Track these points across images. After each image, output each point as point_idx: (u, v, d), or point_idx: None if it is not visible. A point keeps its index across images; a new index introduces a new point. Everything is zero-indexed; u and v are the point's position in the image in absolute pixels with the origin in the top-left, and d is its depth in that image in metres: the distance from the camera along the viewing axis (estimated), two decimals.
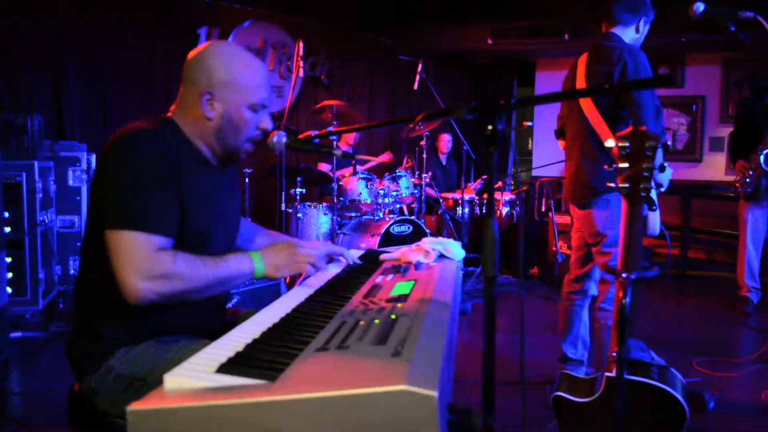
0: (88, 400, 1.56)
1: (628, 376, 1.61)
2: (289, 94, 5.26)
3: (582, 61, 3.01)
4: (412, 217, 5.34)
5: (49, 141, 4.72)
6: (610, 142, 1.58)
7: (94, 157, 4.93)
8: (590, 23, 6.82)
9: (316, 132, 1.62)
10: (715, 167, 7.65)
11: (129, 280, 1.39)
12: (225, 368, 0.98)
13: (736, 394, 3.28)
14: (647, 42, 3.02)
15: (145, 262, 1.40)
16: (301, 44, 5.16)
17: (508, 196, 6.75)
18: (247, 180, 5.23)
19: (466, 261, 5.76)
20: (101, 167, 1.52)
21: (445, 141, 7.25)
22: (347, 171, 5.45)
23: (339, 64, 7.59)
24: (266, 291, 3.57)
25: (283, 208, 5.09)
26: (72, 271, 4.71)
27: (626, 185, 1.55)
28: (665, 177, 2.71)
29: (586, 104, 2.89)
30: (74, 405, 1.63)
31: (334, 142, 4.97)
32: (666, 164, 1.54)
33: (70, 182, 4.73)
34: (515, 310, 5.11)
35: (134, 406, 0.88)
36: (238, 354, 1.04)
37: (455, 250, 1.93)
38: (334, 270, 1.87)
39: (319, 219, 5.30)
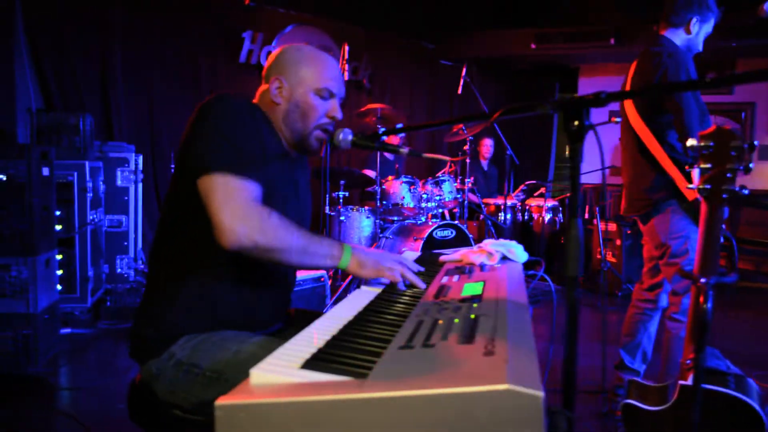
0: (148, 387, 1.56)
1: (703, 385, 1.55)
2: None
3: (631, 69, 2.94)
4: (455, 222, 5.29)
5: (98, 142, 4.80)
6: (692, 141, 1.52)
7: (141, 159, 5.00)
8: (636, 28, 6.72)
9: (384, 129, 1.60)
10: (764, 176, 7.44)
11: (227, 222, 1.39)
12: (311, 364, 0.95)
13: None
14: None
15: (243, 206, 1.41)
16: (346, 47, 5.17)
17: (550, 203, 6.65)
18: None
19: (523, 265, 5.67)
20: (193, 123, 1.53)
21: (488, 146, 7.19)
22: (391, 176, 5.43)
23: (380, 68, 7.60)
24: (314, 293, 3.56)
25: (327, 211, 5.09)
26: (119, 270, 4.78)
27: (707, 186, 1.49)
28: None
29: (632, 113, 2.83)
30: (134, 396, 1.62)
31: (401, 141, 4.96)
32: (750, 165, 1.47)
33: (119, 182, 4.81)
34: (559, 318, 5.01)
35: (222, 401, 0.86)
36: (320, 350, 1.02)
37: (518, 252, 1.89)
38: None
39: (362, 222, 5.28)
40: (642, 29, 6.58)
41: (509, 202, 6.36)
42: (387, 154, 6.19)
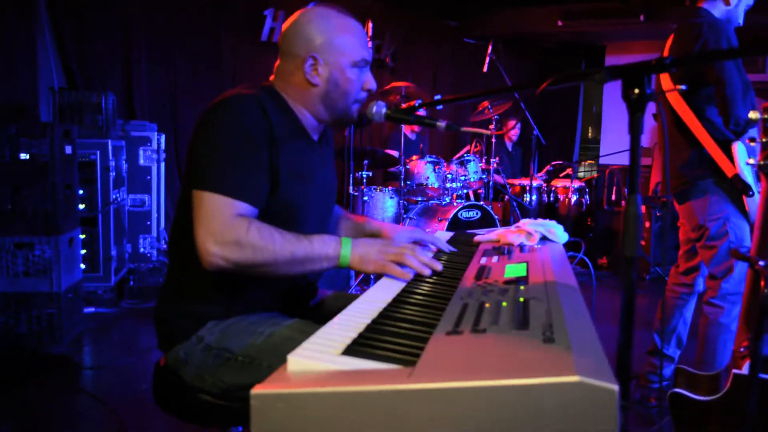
0: (175, 372, 1.50)
1: (761, 375, 1.46)
2: None
3: (668, 43, 2.80)
4: (481, 203, 5.19)
5: (121, 120, 4.76)
6: (754, 114, 1.41)
7: (164, 138, 4.96)
8: (667, 3, 6.51)
9: (421, 101, 1.51)
10: None
11: (202, 241, 1.33)
12: (352, 351, 0.88)
13: None
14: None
15: (219, 225, 1.33)
16: (370, 24, 5.06)
17: (576, 184, 6.51)
18: None
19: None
20: (196, 130, 1.46)
21: (514, 127, 7.04)
22: (415, 156, 5.33)
23: (403, 46, 7.47)
24: (339, 273, 3.50)
25: (351, 190, 5.01)
26: (142, 250, 4.76)
27: (767, 162, 1.39)
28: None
29: (669, 87, 2.70)
30: (160, 379, 1.57)
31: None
32: None
33: (141, 162, 4.77)
34: (585, 302, 4.91)
35: (258, 389, 0.78)
36: (361, 335, 0.95)
37: (559, 232, 1.80)
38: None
39: (385, 203, 5.19)
40: (673, 5, 6.37)
41: (534, 183, 6.23)
42: (409, 134, 6.09)
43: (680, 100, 2.65)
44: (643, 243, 5.80)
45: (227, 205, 1.36)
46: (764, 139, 1.39)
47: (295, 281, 1.64)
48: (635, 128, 1.05)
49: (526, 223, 1.82)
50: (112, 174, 4.29)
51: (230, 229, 1.34)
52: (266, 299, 1.57)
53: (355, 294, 1.61)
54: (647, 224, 5.80)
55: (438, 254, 1.78)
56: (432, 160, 5.21)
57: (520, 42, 8.16)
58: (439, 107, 2.08)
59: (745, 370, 1.42)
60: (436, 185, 5.20)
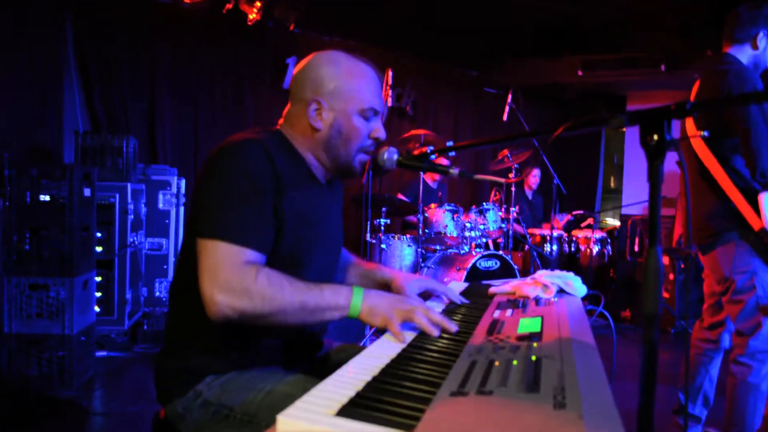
0: (173, 427, 1.44)
1: None
2: None
3: (694, 89, 2.76)
4: (500, 252, 5.11)
5: (142, 164, 4.81)
6: None
7: (184, 182, 5.00)
8: (688, 53, 6.49)
9: (432, 148, 1.47)
10: None
11: (208, 291, 1.28)
12: (347, 411, 0.82)
13: None
14: None
15: (226, 273, 1.29)
16: (390, 72, 5.11)
17: (598, 234, 6.41)
18: None
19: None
20: (201, 176, 1.43)
21: (535, 176, 6.98)
22: (433, 204, 5.29)
23: (424, 95, 7.53)
24: (352, 323, 3.42)
25: (368, 238, 4.97)
26: (158, 294, 4.74)
27: None
28: None
29: (693, 134, 2.64)
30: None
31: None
32: None
33: (161, 206, 4.79)
34: (607, 355, 4.77)
35: None
36: (359, 395, 0.89)
37: (576, 285, 1.73)
38: (436, 308, 1.67)
39: (403, 251, 5.14)
40: (694, 55, 6.35)
41: (555, 233, 6.15)
42: (429, 182, 6.06)
43: (705, 149, 2.59)
44: (666, 295, 5.66)
45: (234, 253, 1.32)
46: None
47: (298, 334, 1.58)
48: (654, 176, 1.00)
49: (542, 275, 1.76)
50: (131, 217, 4.30)
51: (238, 278, 1.29)
52: (268, 353, 1.51)
53: (363, 347, 1.55)
54: (671, 276, 5.66)
55: (450, 306, 1.72)
56: (450, 208, 5.17)
57: (541, 91, 8.18)
58: (453, 154, 2.04)
59: None
60: (454, 234, 5.14)
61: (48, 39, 4.60)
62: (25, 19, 4.31)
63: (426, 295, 1.82)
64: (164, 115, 5.49)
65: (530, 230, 6.40)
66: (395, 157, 1.55)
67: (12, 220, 3.32)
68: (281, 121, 1.63)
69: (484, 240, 5.39)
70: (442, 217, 5.14)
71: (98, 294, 4.13)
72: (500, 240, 5.76)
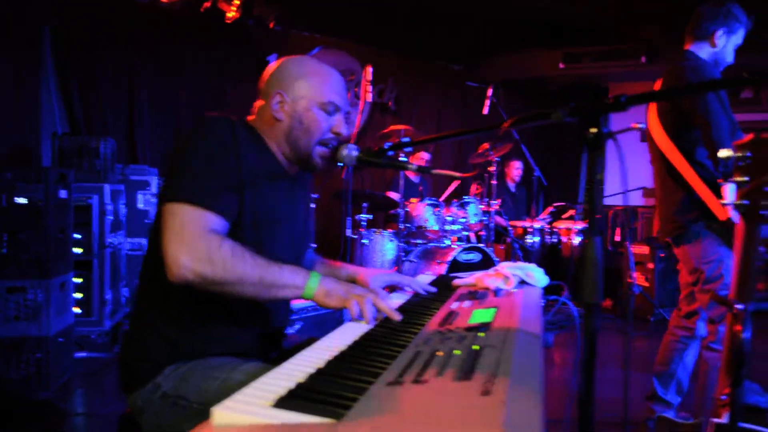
0: (134, 421, 1.46)
1: (741, 424, 1.39)
2: (357, 119, 5.19)
3: (656, 85, 2.80)
4: (481, 245, 5.14)
5: (120, 165, 4.79)
6: (725, 152, 1.38)
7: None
8: (669, 44, 6.53)
9: (390, 144, 1.49)
10: None
11: (172, 252, 1.30)
12: (284, 402, 0.84)
13: None
14: (738, 62, 2.75)
15: (192, 237, 1.32)
16: (369, 69, 5.10)
17: (579, 225, 6.45)
18: (313, 205, 5.16)
19: (545, 289, 5.49)
20: (173, 148, 1.50)
21: (517, 168, 7.01)
22: (414, 199, 5.31)
23: (407, 91, 7.54)
24: (331, 318, 3.44)
25: (349, 233, 4.98)
26: None
27: (744, 202, 1.35)
28: None
29: (658, 131, 2.69)
30: (122, 427, 1.53)
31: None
32: None
33: (140, 206, 4.78)
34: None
35: None
36: (299, 386, 0.90)
37: (538, 276, 1.75)
38: (399, 300, 1.71)
39: (385, 246, 5.16)
40: (675, 46, 6.35)
41: (537, 225, 6.18)
42: (411, 176, 6.08)
43: (670, 144, 2.63)
44: (646, 284, 5.70)
45: (200, 217, 1.35)
46: (737, 179, 1.35)
47: (261, 326, 1.59)
48: (592, 167, 1.02)
49: (504, 266, 1.78)
50: (110, 218, 4.29)
51: (203, 243, 1.32)
52: (229, 342, 1.53)
53: None
54: (651, 265, 5.71)
55: (413, 297, 1.75)
56: (431, 202, 5.19)
57: (524, 85, 8.21)
58: (426, 148, 2.05)
59: (725, 419, 1.35)
60: (435, 228, 5.17)
61: (25, 40, 4.57)
62: (1, 21, 4.28)
63: (393, 289, 1.87)
64: (144, 115, 5.47)
65: (512, 222, 6.43)
66: (354, 153, 1.57)
67: None
68: (249, 119, 1.67)
69: (465, 233, 5.41)
70: (423, 212, 5.17)
71: (78, 295, 4.12)
72: (482, 233, 5.79)
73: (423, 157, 6.26)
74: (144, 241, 4.76)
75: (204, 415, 1.30)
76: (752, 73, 0.93)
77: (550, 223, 6.54)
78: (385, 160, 1.53)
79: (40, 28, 4.80)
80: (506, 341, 1.06)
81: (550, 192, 7.71)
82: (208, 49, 5.94)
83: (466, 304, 1.50)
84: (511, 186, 7.08)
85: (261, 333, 1.62)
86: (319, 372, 0.98)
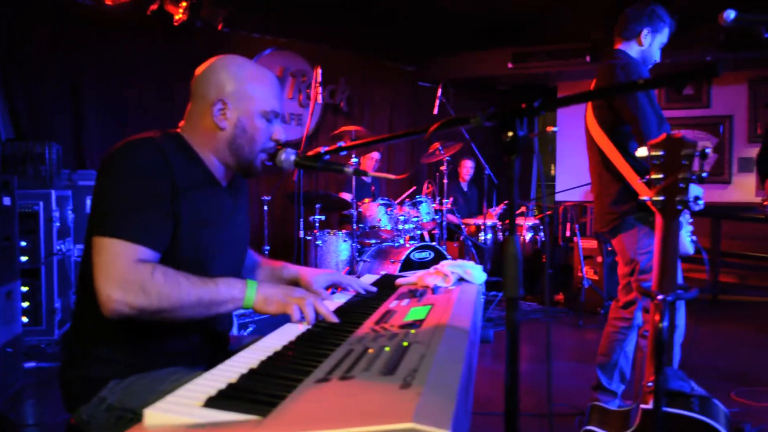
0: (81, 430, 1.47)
1: (666, 408, 1.47)
2: (307, 121, 5.21)
3: (593, 83, 2.92)
4: (434, 243, 5.22)
5: (68, 170, 4.71)
6: (642, 151, 1.46)
7: None
8: (611, 44, 6.71)
9: (326, 148, 1.53)
10: (744, 189, 7.43)
11: (103, 289, 1.31)
12: (213, 402, 0.87)
13: None
14: (669, 59, 2.90)
15: (121, 271, 1.32)
16: (319, 71, 5.11)
17: (531, 221, 6.60)
18: (265, 207, 5.17)
19: (490, 286, 5.60)
20: (97, 176, 1.46)
21: (467, 167, 7.14)
22: (367, 199, 5.36)
23: (359, 91, 7.58)
24: (285, 319, 3.45)
25: (302, 235, 5.00)
26: None
27: (660, 198, 1.43)
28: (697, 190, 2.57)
29: (594, 127, 2.81)
30: None
31: (355, 163, 4.89)
32: (703, 174, 1.41)
33: (89, 211, 4.70)
34: (542, 338, 4.94)
35: None
36: (230, 385, 0.94)
37: (476, 273, 1.81)
38: (340, 299, 1.75)
39: (339, 246, 5.20)
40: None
41: (489, 222, 6.30)
42: (364, 177, 6.13)
43: (605, 138, 2.74)
44: (596, 277, 5.87)
45: (128, 250, 1.35)
46: (653, 175, 1.44)
47: (202, 333, 1.61)
48: (510, 169, 1.08)
49: (444, 265, 1.84)
50: (57, 224, 4.22)
51: (132, 275, 1.32)
52: (172, 355, 1.54)
53: None
54: (599, 258, 5.88)
55: (355, 297, 1.79)
56: (384, 202, 5.25)
57: (475, 84, 8.33)
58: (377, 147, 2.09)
59: (651, 405, 1.43)
60: (388, 227, 5.23)
61: None
62: None
63: (336, 288, 1.91)
64: (91, 119, 5.39)
65: (465, 220, 6.54)
66: (292, 158, 1.60)
67: None
68: (182, 123, 1.66)
69: (418, 232, 5.49)
70: (376, 212, 5.22)
71: (25, 304, 4.05)
72: (435, 231, 5.88)
73: (373, 156, 6.32)
74: None
75: None
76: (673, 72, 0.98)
77: (502, 220, 6.67)
78: (322, 164, 1.56)
79: None
80: (434, 337, 1.11)
81: (503, 190, 7.86)
82: (155, 50, 5.88)
83: (405, 302, 1.55)
84: (463, 185, 7.20)
85: (204, 340, 1.63)
86: (251, 372, 1.01)
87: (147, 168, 1.43)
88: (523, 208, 6.85)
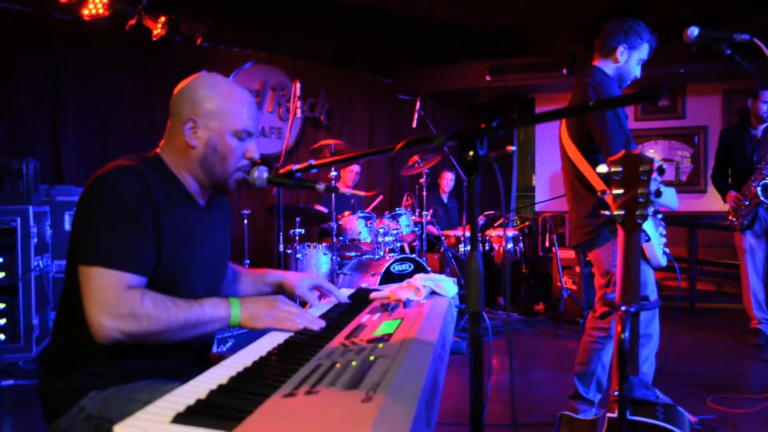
0: None
1: (631, 417, 1.52)
2: (287, 135, 5.24)
3: (570, 98, 2.99)
4: (413, 256, 5.26)
5: (46, 186, 4.70)
6: (602, 168, 1.51)
7: None
8: (588, 57, 6.81)
9: (297, 166, 1.56)
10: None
11: (95, 317, 1.36)
12: (181, 418, 0.89)
13: (751, 431, 3.15)
14: (645, 72, 2.95)
15: (112, 299, 1.37)
16: (298, 84, 5.15)
17: (510, 232, 6.67)
18: (245, 221, 5.18)
19: (464, 298, 5.64)
20: (78, 205, 1.50)
21: (447, 179, 7.21)
22: (347, 212, 5.39)
23: (338, 105, 7.62)
24: (263, 334, 3.46)
25: (282, 248, 5.01)
26: None
27: (621, 212, 1.48)
28: (670, 198, 2.62)
29: (568, 143, 2.87)
30: None
31: (332, 180, 4.93)
32: (662, 187, 1.47)
33: (67, 227, 4.69)
34: (522, 348, 4.99)
35: None
36: (198, 401, 0.96)
37: (447, 286, 1.85)
38: (317, 311, 1.78)
39: (319, 259, 5.22)
40: (593, 58, 6.66)
41: (469, 234, 6.34)
42: (343, 190, 6.16)
43: (578, 153, 2.80)
44: (575, 287, 5.94)
45: (116, 278, 1.39)
46: (614, 191, 1.49)
47: (181, 348, 1.63)
48: (471, 188, 1.12)
49: (417, 279, 1.87)
50: (34, 240, 4.20)
51: (123, 302, 1.37)
52: (151, 368, 1.56)
53: None
54: (578, 269, 5.95)
55: (332, 310, 1.82)
56: (364, 215, 5.28)
57: (453, 97, 8.41)
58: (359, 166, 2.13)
59: (617, 413, 1.47)
60: (368, 240, 5.26)
61: None
62: None
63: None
64: (68, 135, 5.37)
65: (445, 232, 6.58)
66: (265, 175, 1.63)
67: None
68: (162, 141, 1.69)
69: (398, 244, 5.53)
70: (356, 224, 5.25)
71: (2, 321, 4.02)
72: (415, 243, 5.92)
73: (353, 169, 6.36)
74: None
75: None
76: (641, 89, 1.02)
77: (481, 231, 6.73)
78: (294, 181, 1.59)
79: None
80: (400, 351, 1.14)
81: (484, 202, 7.92)
82: (135, 65, 5.88)
83: (377, 316, 1.58)
84: (444, 197, 7.26)
85: (184, 354, 1.65)
86: (221, 387, 1.04)
87: (128, 195, 1.46)
88: (501, 220, 6.92)
